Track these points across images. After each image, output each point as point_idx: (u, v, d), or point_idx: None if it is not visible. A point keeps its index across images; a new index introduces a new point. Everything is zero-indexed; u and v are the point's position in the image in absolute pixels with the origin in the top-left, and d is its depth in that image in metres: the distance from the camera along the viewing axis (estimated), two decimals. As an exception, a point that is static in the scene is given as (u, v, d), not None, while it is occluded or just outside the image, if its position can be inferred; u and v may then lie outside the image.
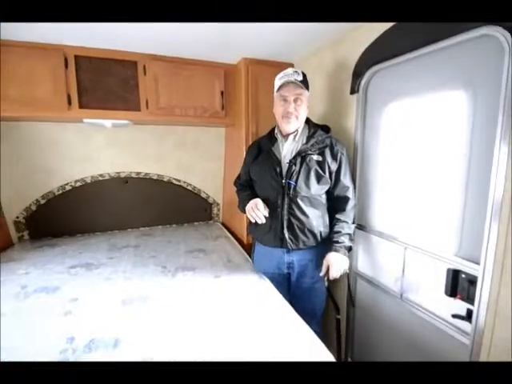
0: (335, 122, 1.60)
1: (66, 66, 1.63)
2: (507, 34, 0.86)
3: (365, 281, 1.51)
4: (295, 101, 1.33)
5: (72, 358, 0.93)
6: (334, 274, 1.29)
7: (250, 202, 1.34)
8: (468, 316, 1.02)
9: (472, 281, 1.00)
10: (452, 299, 1.06)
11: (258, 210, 1.29)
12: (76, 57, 1.66)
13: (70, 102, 1.67)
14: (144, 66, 1.79)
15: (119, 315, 1.16)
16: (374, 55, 1.32)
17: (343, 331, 1.66)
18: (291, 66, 1.94)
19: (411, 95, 1.21)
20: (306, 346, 1.00)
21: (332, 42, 1.58)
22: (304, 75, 1.34)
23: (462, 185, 1.04)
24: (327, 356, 0.94)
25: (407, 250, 1.26)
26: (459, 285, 1.04)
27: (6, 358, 0.92)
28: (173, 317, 1.15)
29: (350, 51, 1.46)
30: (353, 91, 1.45)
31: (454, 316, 1.05)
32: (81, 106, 1.71)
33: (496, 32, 0.89)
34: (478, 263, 0.97)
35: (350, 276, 1.56)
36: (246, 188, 1.53)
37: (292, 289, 1.50)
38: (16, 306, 1.23)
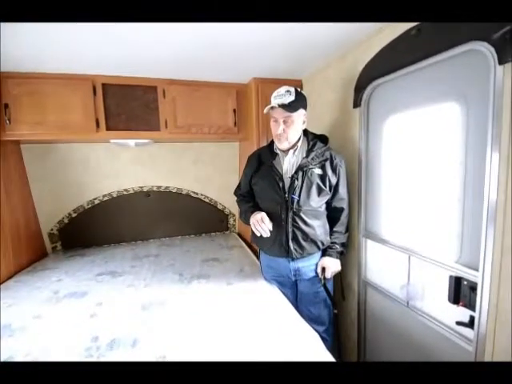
0: (341, 133, 1.67)
1: (95, 93, 1.84)
2: (491, 49, 0.91)
3: (374, 289, 1.53)
4: (285, 122, 1.35)
5: (95, 355, 1.04)
6: (329, 275, 1.46)
7: (254, 214, 1.38)
8: (471, 323, 1.02)
9: (473, 287, 1.01)
10: (455, 306, 1.07)
11: (263, 224, 1.33)
12: (103, 84, 1.86)
13: (98, 125, 1.87)
14: (163, 90, 1.96)
15: (138, 318, 1.27)
16: (373, 71, 1.38)
17: (355, 338, 1.68)
18: (299, 82, 2.04)
19: (409, 108, 1.26)
20: (307, 346, 1.05)
21: (336, 60, 1.67)
22: (297, 94, 1.33)
23: (460, 193, 1.06)
24: (327, 356, 0.99)
25: (412, 258, 1.28)
26: (461, 292, 1.05)
27: (39, 355, 1.04)
28: (186, 320, 1.24)
29: (352, 67, 1.54)
30: (355, 105, 1.52)
31: (458, 323, 1.06)
32: (108, 128, 1.90)
33: (481, 47, 0.94)
34: (477, 270, 0.99)
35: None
36: (247, 199, 1.58)
37: (299, 294, 1.56)
38: (49, 310, 1.37)
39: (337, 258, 1.48)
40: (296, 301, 1.55)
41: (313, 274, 1.49)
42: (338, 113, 1.71)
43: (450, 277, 1.08)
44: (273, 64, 1.77)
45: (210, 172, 2.59)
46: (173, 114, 1.99)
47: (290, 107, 1.31)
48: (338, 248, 1.48)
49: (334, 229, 1.50)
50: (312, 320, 1.42)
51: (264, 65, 1.78)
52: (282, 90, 1.35)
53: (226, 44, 1.45)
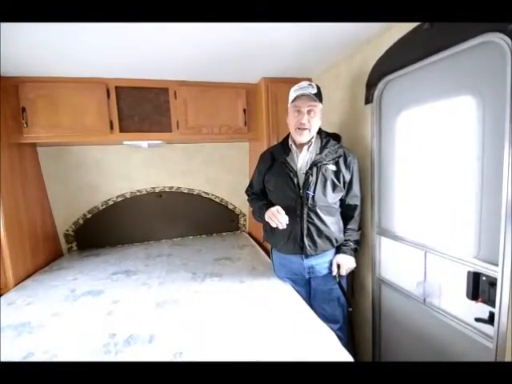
0: (352, 130, 1.66)
1: (108, 96, 1.88)
2: (508, 39, 0.89)
3: (389, 286, 1.51)
4: (309, 112, 1.37)
5: (113, 351, 1.05)
6: (344, 272, 1.46)
7: (270, 209, 1.38)
8: (490, 319, 1.00)
9: (492, 283, 0.99)
10: (474, 302, 1.05)
11: (280, 216, 1.33)
12: (116, 87, 1.90)
13: (112, 127, 1.90)
14: (175, 92, 1.99)
15: (154, 315, 1.29)
16: (385, 67, 1.37)
17: (370, 336, 1.66)
18: (309, 80, 2.03)
19: (423, 103, 1.24)
20: (323, 344, 1.05)
21: (346, 57, 1.67)
22: (318, 88, 1.38)
23: (477, 187, 1.04)
24: (344, 354, 0.98)
25: (428, 255, 1.26)
26: (480, 287, 1.03)
27: (58, 352, 1.06)
28: (200, 317, 1.25)
29: (362, 64, 1.53)
30: (367, 101, 1.51)
31: (478, 320, 1.04)
32: (121, 130, 1.94)
33: (497, 38, 0.92)
34: (496, 265, 0.97)
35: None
36: (260, 197, 1.58)
37: (313, 292, 1.56)
38: (66, 307, 1.40)
39: (351, 255, 1.48)
40: (309, 299, 1.55)
41: (326, 271, 1.48)
42: (348, 110, 1.71)
43: (469, 272, 1.06)
44: (282, 63, 1.78)
45: (220, 172, 2.61)
46: (184, 114, 2.01)
47: (316, 96, 1.35)
48: (352, 245, 1.49)
49: (348, 226, 1.51)
50: (326, 318, 1.41)
51: (273, 64, 1.79)
52: (304, 83, 1.38)
53: (236, 44, 1.47)
